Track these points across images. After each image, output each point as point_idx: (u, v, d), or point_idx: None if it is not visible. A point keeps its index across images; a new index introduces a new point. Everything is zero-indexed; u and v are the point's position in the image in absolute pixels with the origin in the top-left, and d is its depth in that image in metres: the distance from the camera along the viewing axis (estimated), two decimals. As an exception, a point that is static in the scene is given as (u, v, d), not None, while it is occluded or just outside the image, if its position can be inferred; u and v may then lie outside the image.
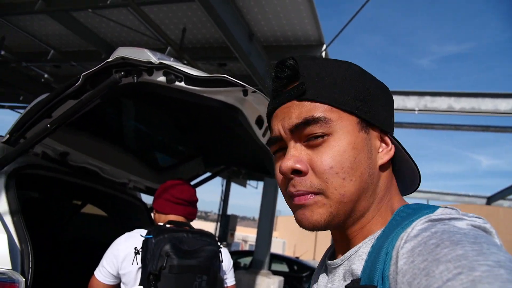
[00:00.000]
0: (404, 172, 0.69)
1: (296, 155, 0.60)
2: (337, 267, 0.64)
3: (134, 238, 1.67)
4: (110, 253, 1.67)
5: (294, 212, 0.63)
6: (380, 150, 0.63)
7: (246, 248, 26.88)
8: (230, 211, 16.58)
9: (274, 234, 32.04)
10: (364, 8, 4.07)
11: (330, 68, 0.62)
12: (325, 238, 28.31)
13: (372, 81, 0.65)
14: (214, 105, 1.46)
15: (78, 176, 2.41)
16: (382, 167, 0.63)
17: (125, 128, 2.66)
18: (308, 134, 0.59)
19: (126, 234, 1.72)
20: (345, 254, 0.63)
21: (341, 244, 0.66)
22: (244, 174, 13.88)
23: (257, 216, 7.35)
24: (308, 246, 32.68)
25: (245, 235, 29.65)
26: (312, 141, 0.59)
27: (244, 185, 15.28)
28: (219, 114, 1.77)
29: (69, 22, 5.65)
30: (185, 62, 5.60)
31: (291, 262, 10.10)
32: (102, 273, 1.66)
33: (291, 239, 34.61)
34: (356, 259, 0.59)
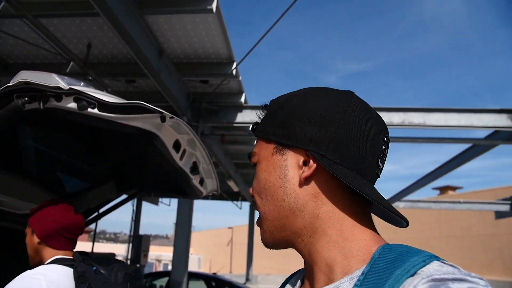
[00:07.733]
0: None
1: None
2: None
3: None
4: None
5: None
6: (301, 170, 0.61)
7: (160, 268, 25.85)
8: (141, 230, 15.88)
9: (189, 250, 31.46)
10: (277, 26, 4.27)
11: (277, 104, 0.68)
12: (240, 252, 28.44)
13: (302, 102, 0.63)
14: (130, 131, 1.42)
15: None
16: (307, 185, 0.61)
17: (24, 152, 2.42)
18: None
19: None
20: None
21: (310, 274, 0.63)
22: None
23: (169, 233, 7.05)
24: (224, 261, 32.57)
25: (159, 254, 28.54)
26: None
27: (156, 203, 14.77)
28: (135, 139, 1.72)
29: (-51, 33, 5.01)
30: (90, 78, 5.31)
31: (209, 278, 9.96)
32: None
33: (206, 255, 34.20)
34: None
